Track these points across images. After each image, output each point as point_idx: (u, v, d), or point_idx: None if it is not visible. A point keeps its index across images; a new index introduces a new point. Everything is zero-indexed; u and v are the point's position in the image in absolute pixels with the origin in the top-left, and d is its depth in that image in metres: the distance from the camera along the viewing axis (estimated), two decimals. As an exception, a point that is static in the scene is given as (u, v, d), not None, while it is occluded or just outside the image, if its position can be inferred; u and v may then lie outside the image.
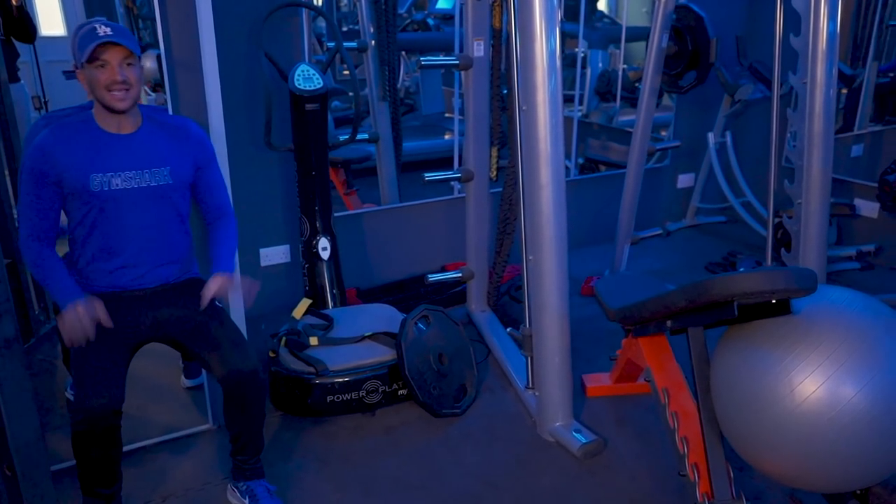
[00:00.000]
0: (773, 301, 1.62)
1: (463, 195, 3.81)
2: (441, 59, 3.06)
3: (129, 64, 1.81)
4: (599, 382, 2.70)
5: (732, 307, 1.63)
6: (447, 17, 5.83)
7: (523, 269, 2.52)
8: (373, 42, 3.73)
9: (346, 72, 4.42)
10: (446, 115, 6.19)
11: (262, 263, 3.27)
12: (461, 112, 5.96)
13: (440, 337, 2.65)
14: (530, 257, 2.33)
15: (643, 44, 5.86)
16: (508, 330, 2.79)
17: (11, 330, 1.16)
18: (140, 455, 2.33)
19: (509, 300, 3.45)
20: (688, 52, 3.52)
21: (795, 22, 2.83)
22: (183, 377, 2.75)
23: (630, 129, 5.03)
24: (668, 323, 1.99)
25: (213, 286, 1.95)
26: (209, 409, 2.48)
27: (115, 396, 1.76)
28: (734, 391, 1.71)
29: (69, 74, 1.91)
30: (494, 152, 3.02)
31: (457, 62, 2.81)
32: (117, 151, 1.89)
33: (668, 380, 2.13)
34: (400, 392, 2.57)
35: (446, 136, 5.97)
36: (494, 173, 3.06)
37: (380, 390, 2.54)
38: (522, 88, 2.24)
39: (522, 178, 2.34)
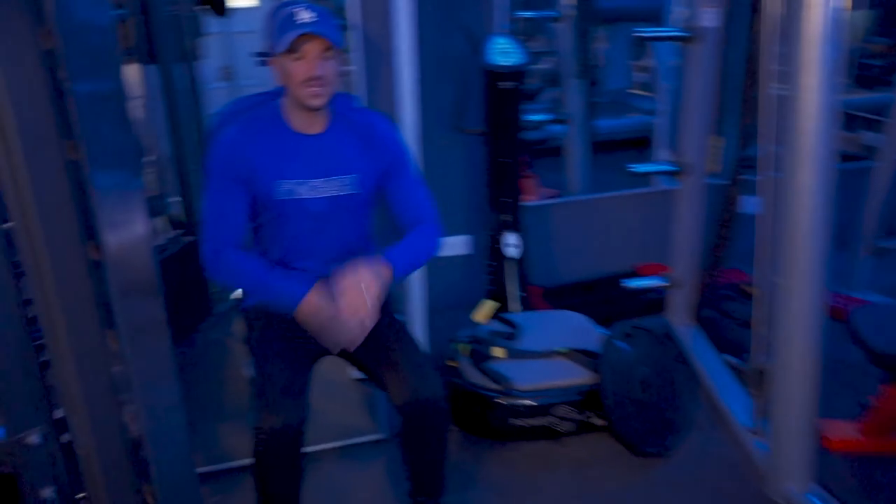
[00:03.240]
0: None
1: (662, 188, 3.38)
2: (660, 30, 2.61)
3: (328, 57, 1.58)
4: (843, 433, 2.18)
5: None
6: (644, -17, 5.28)
7: (758, 290, 2.06)
8: (570, 12, 3.34)
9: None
10: (632, 91, 5.69)
11: (441, 254, 3.02)
12: (645, 88, 5.41)
13: (645, 361, 2.26)
14: (778, 279, 1.87)
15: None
16: (727, 358, 2.34)
17: (161, 313, 0.85)
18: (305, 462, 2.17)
19: (716, 313, 2.97)
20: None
21: None
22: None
23: (858, 113, 4.29)
24: None
25: (352, 272, 1.56)
26: (383, 418, 2.27)
27: (299, 416, 1.56)
28: None
29: (262, 58, 1.72)
30: (717, 142, 2.55)
31: (681, 34, 2.36)
32: (305, 156, 1.68)
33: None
34: (594, 422, 2.22)
35: (634, 115, 5.48)
36: (716, 166, 2.59)
37: (571, 418, 2.20)
38: (785, 66, 1.76)
39: (776, 180, 1.87)
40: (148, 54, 2.67)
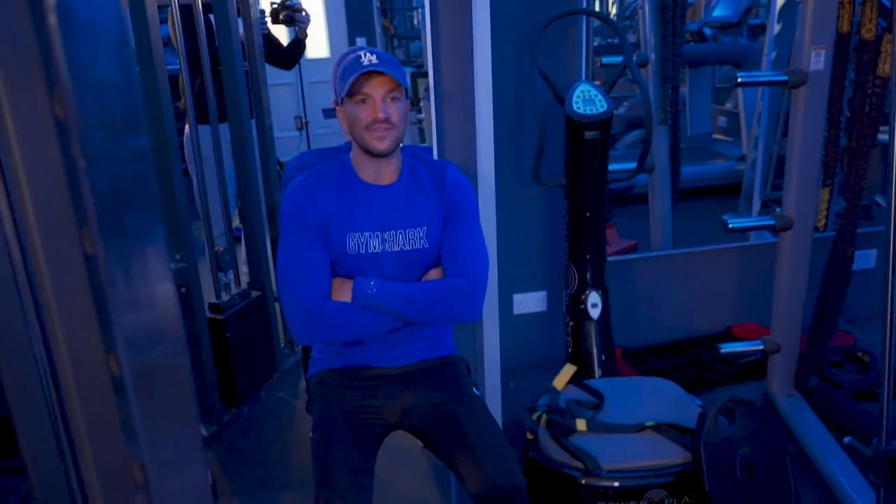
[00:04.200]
0: None
1: (757, 242, 3.14)
2: (762, 74, 2.41)
3: (393, 98, 1.50)
4: None
5: None
6: (726, 27, 5.08)
7: (885, 359, 1.81)
8: (653, 56, 3.17)
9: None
10: (714, 136, 5.48)
11: (516, 311, 2.85)
12: (728, 133, 5.16)
13: (748, 439, 2.01)
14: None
15: None
16: (847, 441, 2.06)
17: (193, 426, 0.74)
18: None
19: (822, 382, 2.68)
20: None
21: None
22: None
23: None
24: None
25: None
26: (454, 494, 2.09)
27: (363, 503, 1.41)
28: None
29: (328, 113, 1.65)
30: (825, 195, 2.31)
31: (784, 78, 2.16)
32: (375, 208, 1.58)
33: None
34: (691, 508, 1.98)
35: (717, 161, 5.25)
36: (823, 222, 2.34)
37: (665, 502, 1.97)
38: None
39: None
40: (217, 112, 2.63)
